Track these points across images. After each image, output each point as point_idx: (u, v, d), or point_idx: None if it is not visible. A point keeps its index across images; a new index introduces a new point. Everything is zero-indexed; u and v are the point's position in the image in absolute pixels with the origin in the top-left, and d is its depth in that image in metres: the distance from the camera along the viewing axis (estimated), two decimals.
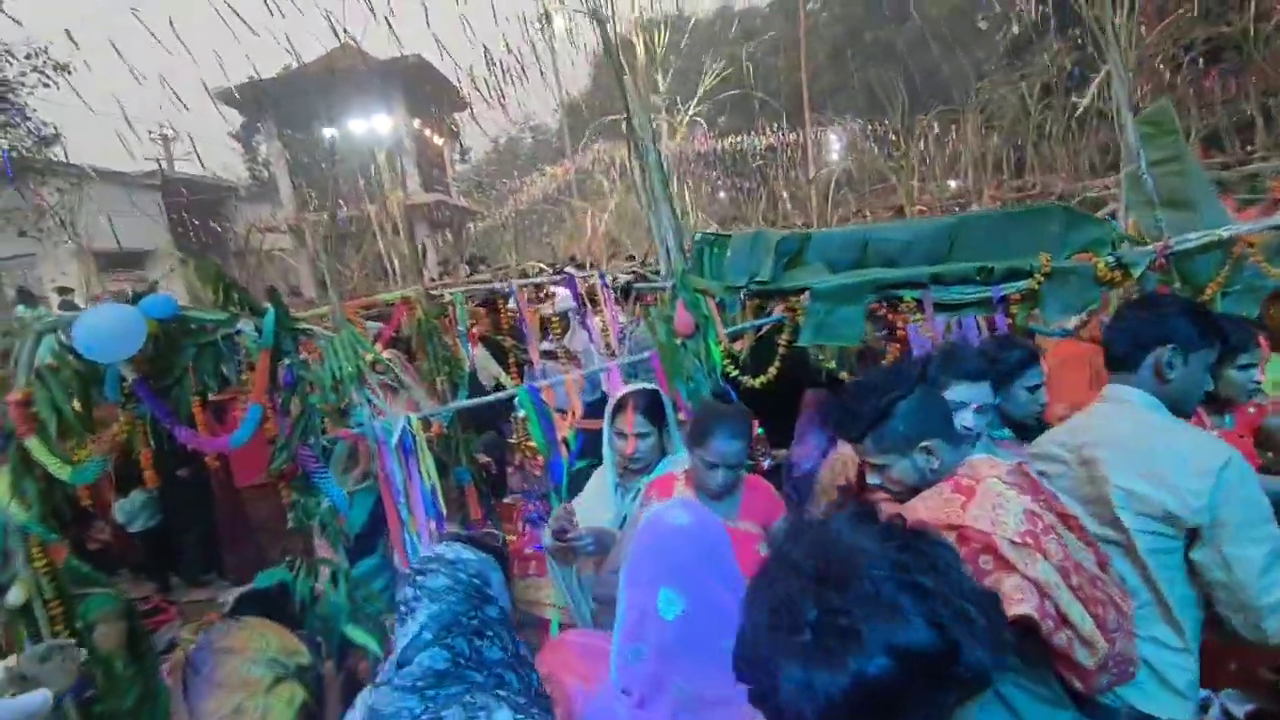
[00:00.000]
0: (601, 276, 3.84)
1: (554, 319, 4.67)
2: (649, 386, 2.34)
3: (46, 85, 9.93)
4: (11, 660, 2.00)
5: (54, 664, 1.86)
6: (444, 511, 2.67)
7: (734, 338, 2.78)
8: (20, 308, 7.73)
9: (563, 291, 4.47)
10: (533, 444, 2.69)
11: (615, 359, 4.12)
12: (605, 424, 2.29)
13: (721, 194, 23.19)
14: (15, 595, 2.38)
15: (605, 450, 2.31)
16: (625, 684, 1.10)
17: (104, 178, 14.17)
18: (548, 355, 4.86)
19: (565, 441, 2.78)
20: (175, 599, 4.48)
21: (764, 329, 2.85)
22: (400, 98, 15.86)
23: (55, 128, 11.08)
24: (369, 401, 2.56)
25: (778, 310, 2.86)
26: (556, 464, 2.63)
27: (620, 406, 2.22)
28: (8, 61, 9.61)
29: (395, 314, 3.64)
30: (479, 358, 4.23)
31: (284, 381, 2.53)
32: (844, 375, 2.79)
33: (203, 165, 16.46)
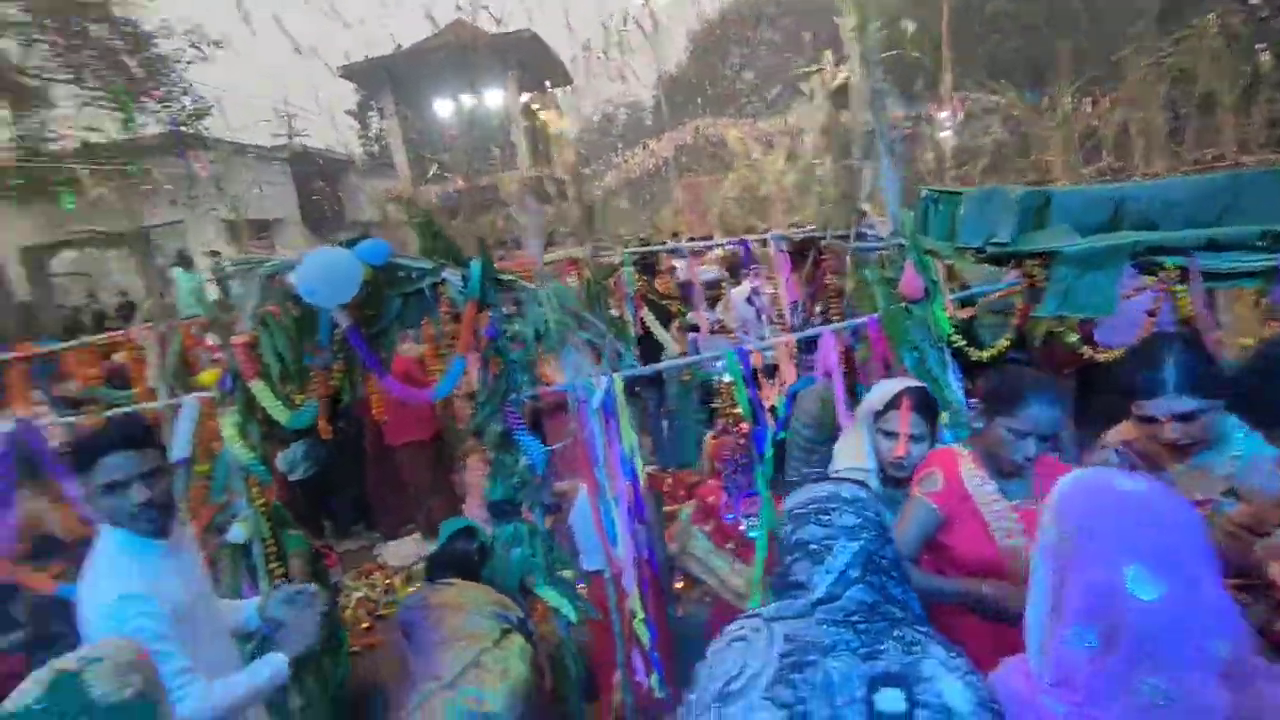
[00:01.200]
0: (777, 239, 3.61)
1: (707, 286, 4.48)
2: (918, 383, 2.13)
3: (204, 60, 10.58)
4: (259, 600, 2.02)
5: (298, 610, 1.85)
6: (640, 473, 2.54)
7: (962, 304, 2.50)
8: (179, 271, 8.19)
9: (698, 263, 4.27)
10: (737, 410, 2.52)
11: (787, 330, 3.91)
12: (863, 419, 2.10)
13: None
14: (237, 533, 2.43)
15: (856, 445, 2.09)
16: (1062, 674, 0.93)
17: (238, 150, 15.04)
18: (691, 328, 4.70)
19: (773, 409, 2.60)
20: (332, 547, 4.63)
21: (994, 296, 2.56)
22: (512, 73, 16.00)
23: (210, 102, 11.82)
24: (573, 358, 2.45)
25: (1009, 275, 2.56)
26: (761, 432, 2.45)
27: (893, 403, 2.02)
28: (165, 38, 10.31)
29: (560, 276, 3.55)
30: (647, 321, 4.12)
31: (487, 334, 2.45)
32: (1087, 351, 2.46)
33: (323, 140, 17.30)
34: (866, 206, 2.60)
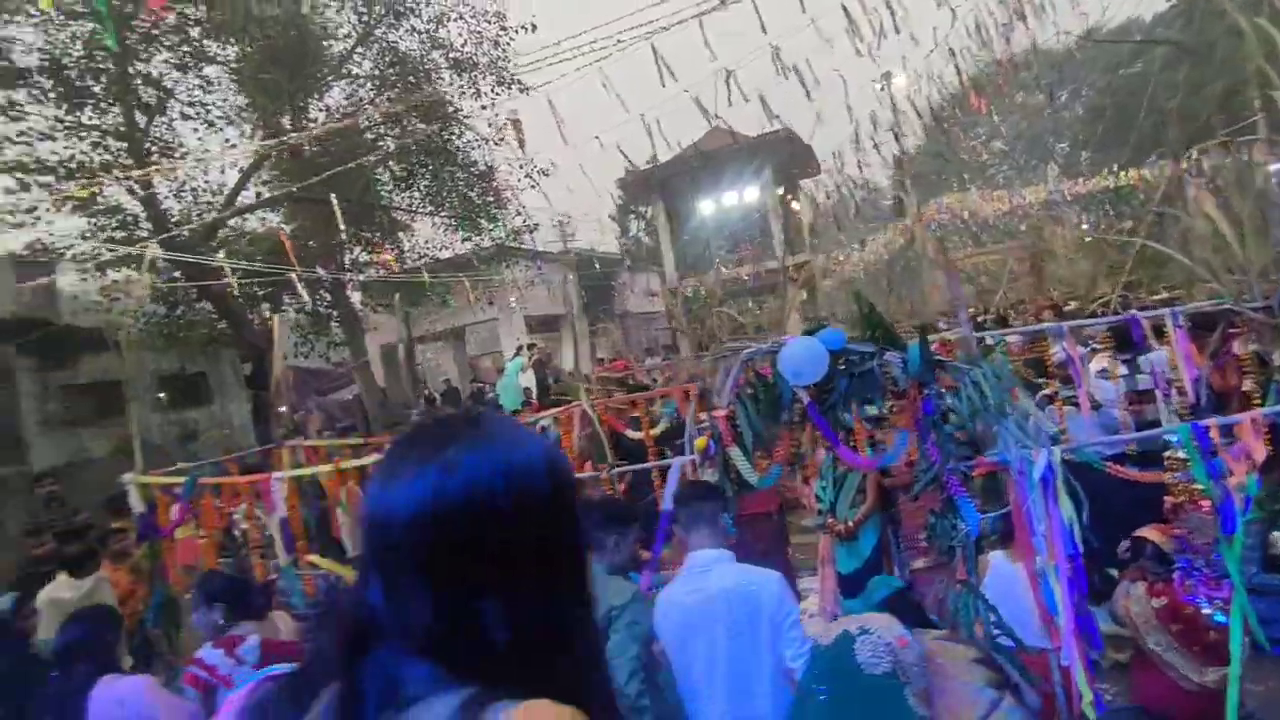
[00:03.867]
0: (1174, 312, 3.50)
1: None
2: None
3: (534, 188, 13.07)
4: None
5: None
6: (1080, 548, 2.59)
7: None
8: (514, 360, 9.64)
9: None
10: (1195, 487, 2.49)
11: (1186, 408, 3.70)
12: None
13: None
14: None
15: None
16: None
17: (535, 256, 17.76)
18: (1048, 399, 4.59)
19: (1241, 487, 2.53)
20: None
21: None
22: (769, 169, 17.08)
23: (536, 221, 14.38)
24: (1012, 431, 2.63)
25: None
26: (1229, 509, 2.39)
27: None
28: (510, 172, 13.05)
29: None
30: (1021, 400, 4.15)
31: (924, 410, 2.74)
32: None
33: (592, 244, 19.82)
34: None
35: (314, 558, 4.12)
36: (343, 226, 11.75)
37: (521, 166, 12.93)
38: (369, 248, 14.26)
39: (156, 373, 12.62)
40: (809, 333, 2.83)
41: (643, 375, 10.77)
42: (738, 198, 17.50)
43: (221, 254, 10.36)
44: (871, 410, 3.74)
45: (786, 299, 16.62)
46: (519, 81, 12.07)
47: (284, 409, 16.89)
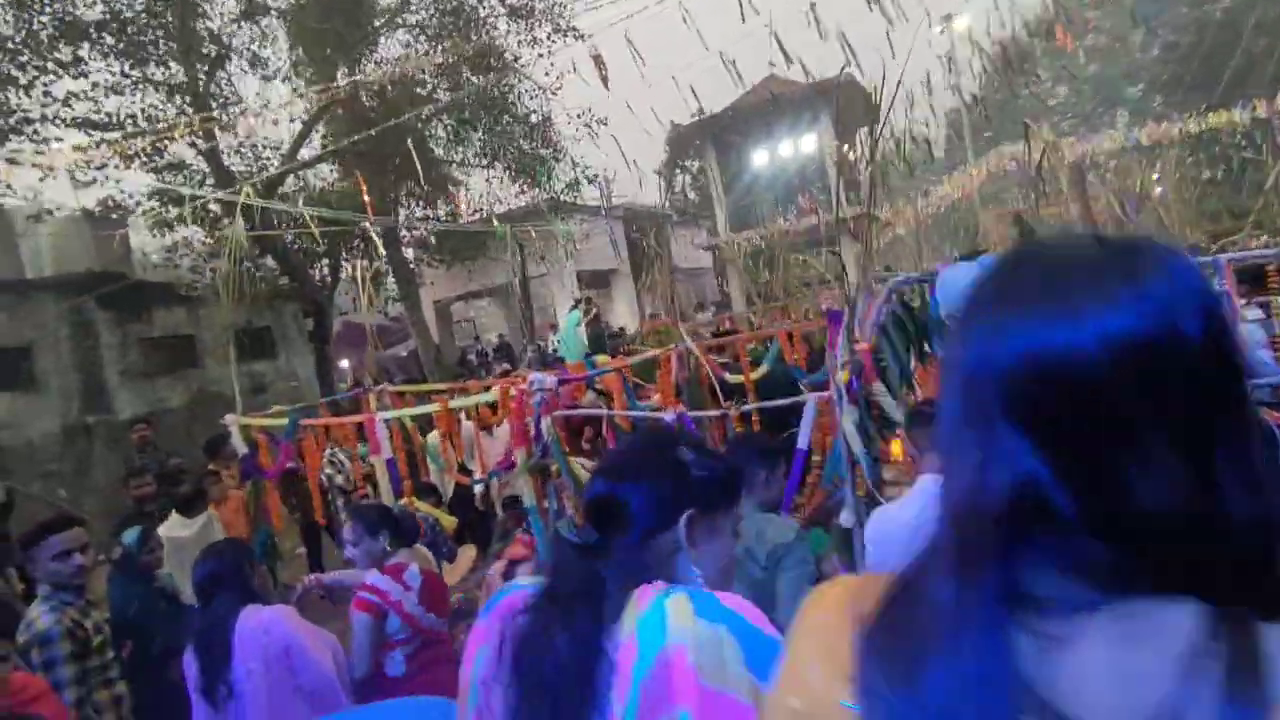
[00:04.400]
0: (1216, 260, 3.13)
1: None
2: None
3: (594, 138, 12.80)
4: None
5: None
6: None
7: None
8: (571, 312, 9.57)
9: None
10: None
11: None
12: None
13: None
14: (847, 518, 2.79)
15: None
16: None
17: (587, 211, 17.56)
18: None
19: None
20: None
21: None
22: (827, 117, 16.45)
23: (597, 171, 14.14)
24: None
25: None
26: None
27: None
28: (568, 123, 12.81)
29: None
30: None
31: None
32: None
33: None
34: None
35: (413, 500, 4.14)
36: (396, 183, 11.73)
37: (580, 115, 12.67)
38: (424, 202, 14.22)
39: (227, 326, 12.90)
40: (966, 258, 2.63)
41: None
42: (793, 148, 16.95)
43: (285, 209, 10.42)
44: None
45: (852, 250, 16.17)
46: (575, 29, 11.73)
47: (344, 363, 17.24)
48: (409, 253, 15.93)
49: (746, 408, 3.26)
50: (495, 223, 12.25)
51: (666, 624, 0.89)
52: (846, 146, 18.38)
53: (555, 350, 14.68)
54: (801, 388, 3.94)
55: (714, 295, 24.98)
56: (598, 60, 7.08)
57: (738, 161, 17.87)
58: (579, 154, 14.01)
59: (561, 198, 14.20)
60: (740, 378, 4.45)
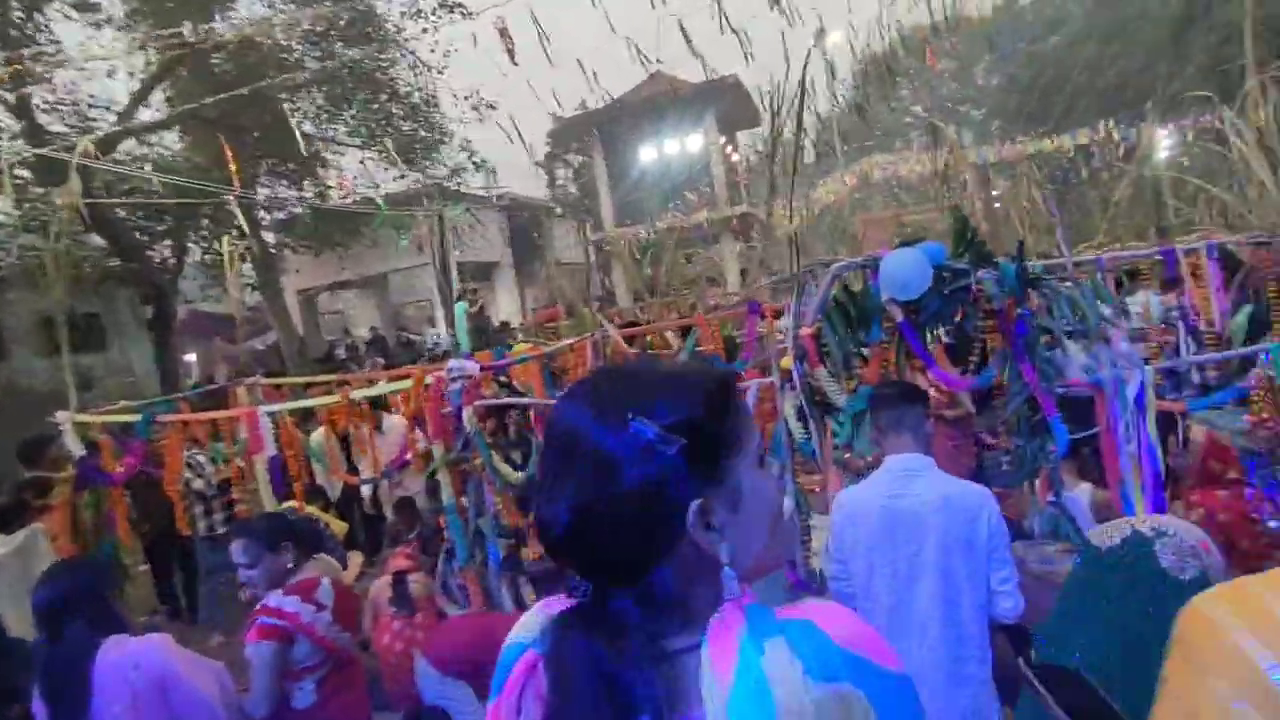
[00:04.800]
0: (1210, 246, 3.56)
1: None
2: None
3: (480, 122, 12.17)
4: None
5: None
6: (1162, 472, 2.60)
7: None
8: (460, 304, 9.00)
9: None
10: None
11: (1216, 340, 3.83)
12: None
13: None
14: (786, 504, 2.74)
15: None
16: None
17: (469, 200, 16.85)
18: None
19: None
20: None
21: None
22: (712, 116, 16.80)
23: (479, 160, 13.45)
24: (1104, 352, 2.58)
25: None
26: None
27: None
28: (454, 104, 12.08)
29: None
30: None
31: (1017, 330, 2.65)
32: None
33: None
34: None
35: (303, 504, 3.69)
36: (256, 159, 10.61)
37: (467, 98, 12.05)
38: (289, 182, 13.00)
39: (38, 311, 11.09)
40: (906, 244, 2.65)
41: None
42: (679, 146, 17.20)
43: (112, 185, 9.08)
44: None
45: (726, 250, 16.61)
46: (462, 5, 11.12)
47: (190, 356, 15.45)
48: (270, 237, 14.52)
49: None
50: (381, 204, 11.36)
51: (774, 704, 0.61)
52: (730, 147, 18.95)
53: (435, 345, 13.94)
54: None
55: (597, 291, 24.91)
56: (503, 33, 6.69)
57: (623, 156, 17.87)
58: (461, 139, 13.35)
59: (446, 184, 13.47)
60: None
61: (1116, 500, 2.66)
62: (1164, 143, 16.78)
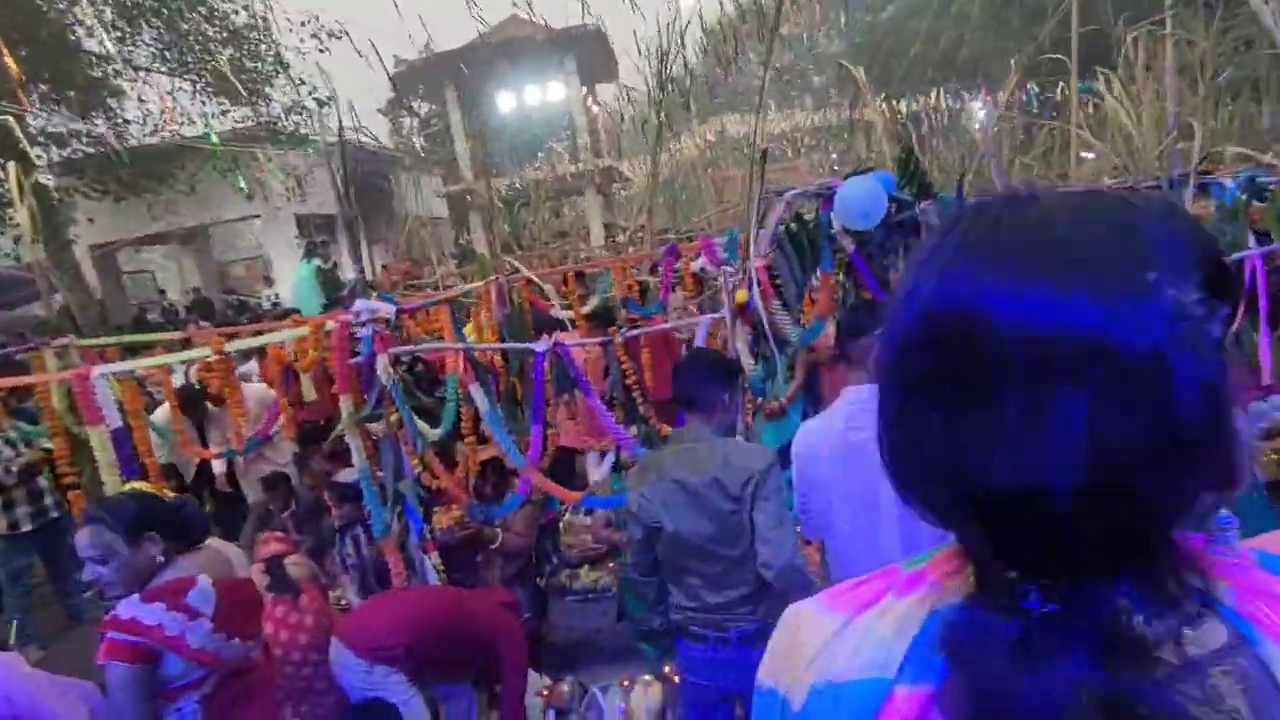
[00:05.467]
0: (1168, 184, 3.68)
1: None
2: None
3: (322, 51, 10.68)
4: None
5: None
6: None
7: None
8: (303, 261, 8.34)
9: None
10: None
11: None
12: None
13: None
14: None
15: None
16: None
17: (308, 145, 15.06)
18: None
19: None
20: None
21: None
22: (573, 66, 16.19)
23: (320, 97, 11.86)
24: None
25: None
26: None
27: None
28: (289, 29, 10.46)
29: None
30: None
31: None
32: None
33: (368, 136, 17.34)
34: None
35: (161, 486, 3.05)
36: (24, 80, 8.71)
37: (305, 24, 10.53)
38: (72, 111, 10.82)
39: None
40: (859, 172, 2.58)
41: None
42: (541, 94, 16.45)
43: None
44: None
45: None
46: None
47: None
48: (49, 180, 12.09)
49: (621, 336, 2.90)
50: (214, 139, 9.73)
51: None
52: (591, 99, 18.45)
53: (273, 303, 12.47)
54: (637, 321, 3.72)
55: (450, 247, 23.51)
56: None
57: (480, 104, 16.82)
58: (298, 73, 11.75)
59: (280, 123, 11.82)
60: (570, 313, 4.06)
61: None
62: (979, 113, 18.65)
